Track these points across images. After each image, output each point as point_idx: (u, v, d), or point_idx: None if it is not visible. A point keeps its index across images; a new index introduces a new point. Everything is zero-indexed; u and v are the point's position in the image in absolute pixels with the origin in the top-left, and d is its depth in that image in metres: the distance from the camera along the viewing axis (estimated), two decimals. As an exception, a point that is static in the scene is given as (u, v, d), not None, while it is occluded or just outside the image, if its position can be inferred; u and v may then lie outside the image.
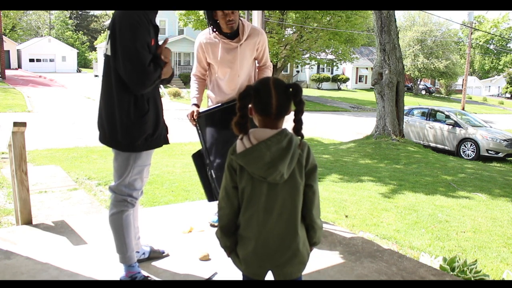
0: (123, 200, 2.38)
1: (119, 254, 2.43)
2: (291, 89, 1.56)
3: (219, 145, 3.07)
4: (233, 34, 3.03)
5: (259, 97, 1.55)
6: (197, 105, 3.19)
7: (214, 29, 3.02)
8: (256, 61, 3.29)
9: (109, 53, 2.25)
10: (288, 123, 1.63)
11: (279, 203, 1.60)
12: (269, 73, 3.23)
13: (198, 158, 3.28)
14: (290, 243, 1.62)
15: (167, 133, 2.48)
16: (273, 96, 1.54)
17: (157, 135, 2.37)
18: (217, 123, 3.09)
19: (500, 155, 12.24)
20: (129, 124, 2.25)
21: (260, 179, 1.58)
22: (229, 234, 1.68)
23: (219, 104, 3.12)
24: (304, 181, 1.63)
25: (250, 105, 1.57)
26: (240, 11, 3.13)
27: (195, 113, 3.14)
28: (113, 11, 2.31)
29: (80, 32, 61.77)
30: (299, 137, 1.59)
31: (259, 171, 1.55)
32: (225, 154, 3.00)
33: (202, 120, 3.15)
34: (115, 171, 2.39)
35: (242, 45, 3.05)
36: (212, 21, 2.98)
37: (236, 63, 3.07)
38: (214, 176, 3.13)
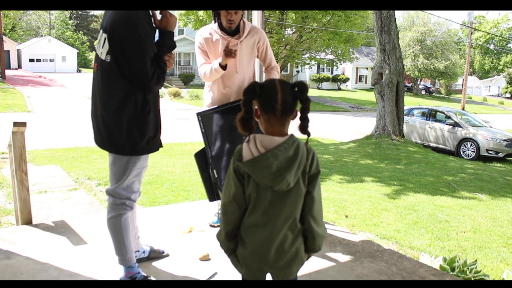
0: (121, 203, 2.35)
1: (118, 256, 2.42)
2: (296, 88, 1.56)
3: (223, 144, 3.06)
4: (234, 31, 3.06)
5: (264, 93, 1.54)
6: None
7: (217, 21, 3.05)
8: (261, 63, 3.28)
9: (103, 57, 2.18)
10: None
11: (284, 210, 1.59)
12: (276, 75, 3.21)
13: (200, 157, 3.26)
14: (290, 247, 1.62)
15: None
16: (279, 92, 1.53)
17: (158, 137, 2.35)
18: (221, 122, 3.08)
19: (500, 155, 12.24)
20: (131, 126, 2.22)
21: (266, 187, 1.57)
22: (233, 238, 1.67)
23: (225, 104, 3.11)
24: (306, 187, 1.62)
25: (256, 107, 1.56)
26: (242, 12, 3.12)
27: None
28: (110, 13, 2.19)
29: (80, 32, 61.67)
30: (306, 135, 1.57)
31: (265, 180, 1.54)
32: (229, 154, 3.01)
33: (206, 119, 3.12)
34: (113, 175, 2.34)
35: (242, 42, 3.08)
36: (216, 15, 3.04)
37: (235, 59, 3.07)
38: (216, 175, 3.12)
